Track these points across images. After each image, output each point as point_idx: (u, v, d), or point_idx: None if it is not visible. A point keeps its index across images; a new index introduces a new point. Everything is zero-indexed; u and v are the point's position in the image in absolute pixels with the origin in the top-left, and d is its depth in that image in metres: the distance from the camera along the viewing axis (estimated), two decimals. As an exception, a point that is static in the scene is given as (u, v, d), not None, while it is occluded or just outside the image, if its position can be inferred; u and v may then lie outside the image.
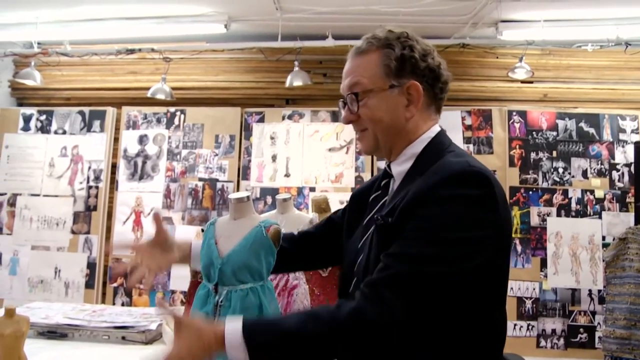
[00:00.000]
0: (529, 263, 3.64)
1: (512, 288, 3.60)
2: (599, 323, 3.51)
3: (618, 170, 3.71)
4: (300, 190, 3.91)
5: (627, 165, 3.69)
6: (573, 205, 3.69)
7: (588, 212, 3.67)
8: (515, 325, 3.58)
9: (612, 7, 3.48)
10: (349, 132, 3.90)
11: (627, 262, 2.82)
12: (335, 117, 3.98)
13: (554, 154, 3.76)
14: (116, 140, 4.14)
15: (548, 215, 3.68)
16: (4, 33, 3.94)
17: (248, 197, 1.73)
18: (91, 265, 3.95)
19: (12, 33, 3.95)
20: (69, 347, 2.23)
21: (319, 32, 3.81)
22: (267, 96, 4.18)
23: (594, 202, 3.68)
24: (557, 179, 3.72)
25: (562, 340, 3.56)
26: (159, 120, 4.12)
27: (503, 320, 1.17)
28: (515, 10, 3.53)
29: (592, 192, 3.69)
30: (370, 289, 1.03)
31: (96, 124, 4.13)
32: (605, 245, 3.51)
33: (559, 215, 3.68)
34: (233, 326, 1.03)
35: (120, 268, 3.93)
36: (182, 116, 4.11)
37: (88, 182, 4.06)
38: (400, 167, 1.22)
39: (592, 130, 3.77)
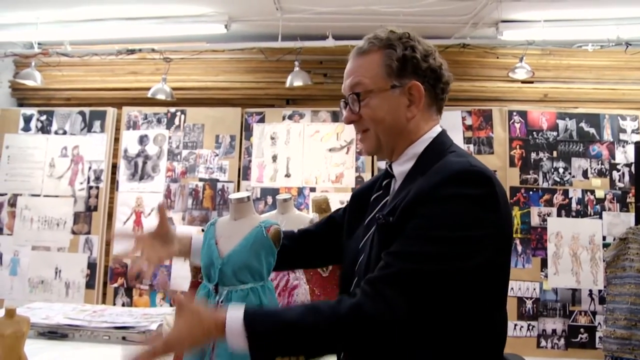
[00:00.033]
0: (529, 263, 3.64)
1: (512, 288, 3.60)
2: (599, 323, 3.51)
3: (618, 171, 3.71)
4: (300, 191, 3.91)
5: (628, 165, 3.69)
6: (573, 205, 3.69)
7: (588, 212, 3.67)
8: (515, 325, 3.58)
9: (612, 7, 3.48)
10: (349, 132, 3.90)
11: (628, 262, 2.82)
12: (335, 118, 3.98)
13: (555, 154, 3.75)
14: (116, 140, 4.14)
15: (548, 216, 3.68)
16: (4, 33, 3.94)
17: (248, 197, 1.73)
18: (92, 266, 3.95)
19: (12, 33, 3.95)
20: (69, 348, 2.23)
21: (319, 32, 3.81)
22: (267, 96, 4.19)
23: (594, 202, 3.68)
24: (558, 179, 3.72)
25: (562, 341, 3.56)
26: (159, 121, 4.12)
27: (504, 320, 1.17)
28: (516, 10, 3.53)
29: (592, 192, 3.69)
30: (370, 286, 1.04)
31: (96, 124, 4.14)
32: (605, 246, 3.51)
33: (559, 215, 3.68)
34: (235, 314, 1.03)
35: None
36: (183, 116, 4.11)
37: (88, 182, 4.06)
38: (401, 167, 1.22)
39: (592, 131, 3.77)
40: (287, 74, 3.82)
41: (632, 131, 3.75)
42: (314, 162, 3.94)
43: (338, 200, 3.68)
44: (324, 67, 4.12)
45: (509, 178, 3.71)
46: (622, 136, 3.75)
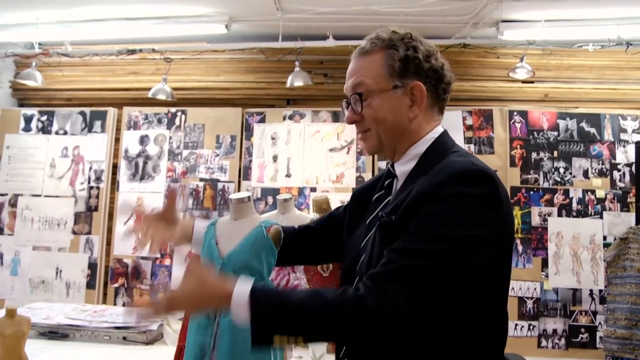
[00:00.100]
0: (529, 263, 3.64)
1: (513, 288, 3.59)
2: (600, 323, 3.50)
3: (619, 170, 3.71)
4: (301, 191, 3.91)
5: (628, 165, 3.68)
6: (574, 205, 3.68)
7: (589, 212, 3.67)
8: (516, 325, 3.57)
9: (613, 7, 3.47)
10: (350, 132, 3.90)
11: (628, 262, 2.82)
12: (336, 118, 3.98)
13: (555, 154, 3.75)
14: (117, 140, 4.14)
15: (549, 215, 3.68)
16: (5, 34, 3.94)
17: (249, 197, 1.73)
18: (92, 266, 3.95)
19: (13, 34, 3.95)
20: (70, 348, 2.24)
21: (319, 32, 3.81)
22: (268, 96, 4.19)
23: (595, 202, 3.67)
24: (558, 179, 3.72)
25: (563, 340, 3.56)
26: (159, 121, 4.12)
27: (504, 320, 1.18)
28: (516, 10, 3.53)
29: (593, 192, 3.69)
30: (372, 281, 1.04)
31: (97, 124, 4.14)
32: (606, 245, 3.50)
33: (560, 215, 3.68)
34: (242, 288, 1.06)
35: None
36: (183, 116, 4.11)
37: (89, 182, 4.06)
38: (403, 167, 1.23)
39: (593, 130, 3.76)
40: (287, 74, 3.82)
41: (633, 131, 3.75)
42: (314, 162, 3.94)
43: (339, 200, 3.68)
44: (324, 67, 4.12)
45: (510, 178, 3.71)
46: (622, 136, 3.75)
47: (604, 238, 3.61)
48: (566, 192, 3.70)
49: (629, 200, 3.65)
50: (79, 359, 2.13)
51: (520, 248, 3.65)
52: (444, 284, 1.03)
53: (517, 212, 3.67)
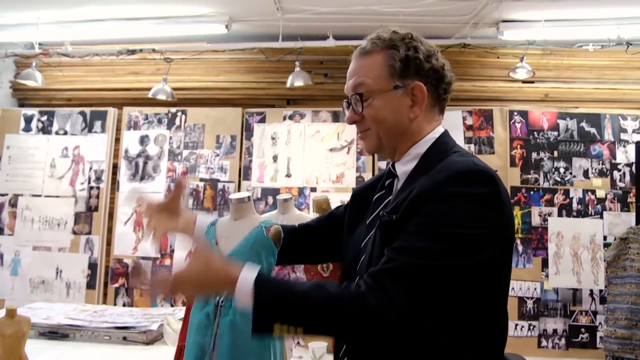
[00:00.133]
0: (530, 263, 3.64)
1: (513, 288, 3.59)
2: (600, 323, 3.50)
3: (619, 170, 3.71)
4: (301, 191, 3.91)
5: (629, 165, 3.68)
6: (574, 205, 3.68)
7: (589, 212, 3.67)
8: (516, 325, 3.57)
9: (613, 7, 3.47)
10: (350, 132, 3.90)
11: (628, 262, 2.82)
12: (336, 118, 3.98)
13: (555, 153, 3.75)
14: (117, 140, 4.14)
15: (549, 215, 3.68)
16: (5, 34, 3.94)
17: (249, 197, 1.73)
18: (92, 266, 3.95)
19: (13, 34, 3.95)
20: (70, 348, 2.23)
21: (319, 32, 3.81)
22: (268, 96, 4.19)
23: (595, 202, 3.67)
24: (558, 179, 3.72)
25: (563, 340, 3.56)
26: (160, 121, 4.12)
27: (504, 320, 1.18)
28: (516, 10, 3.53)
29: (593, 192, 3.69)
30: (373, 279, 1.04)
31: (97, 124, 4.14)
32: (606, 245, 3.51)
33: (560, 215, 3.68)
34: (248, 275, 1.06)
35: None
36: (183, 116, 4.11)
37: (89, 182, 4.06)
38: (404, 167, 1.23)
39: (593, 130, 3.76)
40: (287, 74, 3.82)
41: (633, 131, 3.75)
42: (314, 162, 3.95)
43: (339, 200, 3.68)
44: (324, 67, 4.12)
45: (510, 178, 3.71)
46: (622, 136, 3.75)
47: (604, 238, 3.61)
48: (566, 192, 3.70)
49: (629, 200, 3.65)
50: (79, 359, 2.13)
51: (520, 248, 3.65)
52: (444, 283, 1.03)
53: (517, 212, 3.67)
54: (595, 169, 3.71)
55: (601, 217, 3.65)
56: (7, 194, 4.10)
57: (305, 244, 1.58)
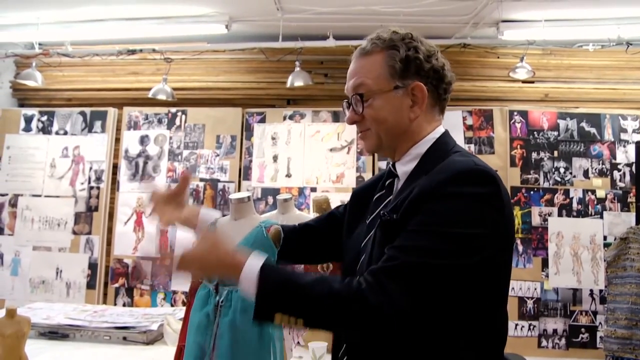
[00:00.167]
0: (530, 263, 3.64)
1: (513, 288, 3.59)
2: (600, 323, 3.50)
3: (619, 170, 3.70)
4: (301, 191, 3.91)
5: (629, 165, 3.68)
6: (574, 205, 3.68)
7: (589, 212, 3.67)
8: (516, 325, 3.57)
9: (613, 7, 3.47)
10: (350, 132, 3.90)
11: (628, 262, 2.82)
12: (336, 118, 3.98)
13: (555, 153, 3.75)
14: (117, 140, 4.14)
15: (549, 215, 3.68)
16: (5, 34, 3.95)
17: (249, 197, 1.73)
18: (92, 266, 3.95)
19: (13, 34, 3.96)
20: (70, 348, 2.23)
21: (320, 32, 3.81)
22: (268, 96, 4.19)
23: (595, 202, 3.67)
24: (559, 179, 3.72)
25: (563, 340, 3.56)
26: (160, 121, 4.12)
27: (504, 320, 1.18)
28: (516, 10, 3.53)
29: (593, 192, 3.69)
30: (373, 277, 1.04)
31: (97, 124, 4.14)
32: (606, 245, 3.51)
33: (560, 215, 3.68)
34: (254, 262, 1.08)
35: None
36: (183, 117, 4.11)
37: (89, 182, 4.06)
38: (405, 167, 1.23)
39: (593, 130, 3.76)
40: (287, 74, 3.82)
41: (633, 131, 3.75)
42: (314, 162, 3.95)
43: (339, 200, 3.68)
44: (324, 67, 4.12)
45: (510, 178, 3.71)
46: (622, 136, 3.75)
47: (604, 238, 3.61)
48: (566, 192, 3.70)
49: (629, 200, 3.65)
50: (78, 359, 2.13)
51: (520, 248, 3.64)
52: (444, 282, 1.03)
53: (517, 212, 3.67)
54: (595, 169, 3.71)
55: (601, 217, 3.65)
56: (7, 194, 4.10)
57: (305, 244, 1.58)
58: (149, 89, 3.90)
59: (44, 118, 4.18)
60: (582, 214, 3.67)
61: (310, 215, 2.78)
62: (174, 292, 3.89)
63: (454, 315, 1.06)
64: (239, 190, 3.95)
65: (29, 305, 2.81)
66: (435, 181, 1.08)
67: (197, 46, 4.16)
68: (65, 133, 4.15)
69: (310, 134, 3.99)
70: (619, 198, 3.67)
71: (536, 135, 3.77)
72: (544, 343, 3.56)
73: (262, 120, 4.04)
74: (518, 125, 3.80)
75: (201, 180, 4.00)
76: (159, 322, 2.46)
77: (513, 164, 3.75)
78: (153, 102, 3.98)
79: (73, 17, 3.78)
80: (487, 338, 1.13)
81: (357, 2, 3.41)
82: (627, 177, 3.68)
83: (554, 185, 3.71)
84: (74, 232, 4.01)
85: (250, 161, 3.99)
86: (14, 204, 4.08)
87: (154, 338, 2.39)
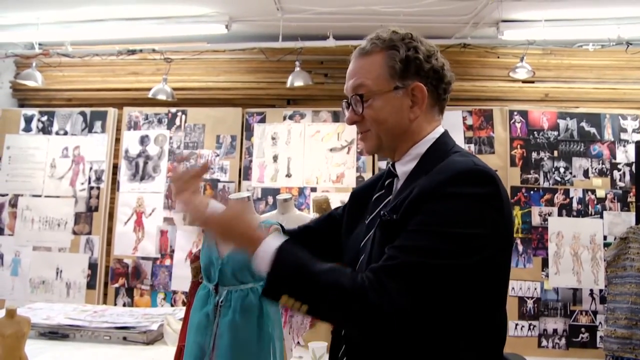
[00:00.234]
0: (530, 263, 3.64)
1: (513, 288, 3.59)
2: (600, 323, 3.50)
3: (619, 170, 3.71)
4: (301, 191, 3.91)
5: (629, 164, 3.68)
6: (574, 205, 3.68)
7: (589, 212, 3.67)
8: (516, 325, 3.57)
9: (613, 7, 3.48)
10: (350, 132, 3.91)
11: (628, 262, 2.82)
12: (336, 118, 3.98)
13: (555, 153, 3.75)
14: (117, 140, 4.14)
15: (549, 215, 3.68)
16: (5, 34, 3.95)
17: (248, 197, 1.73)
18: (92, 266, 3.95)
19: (13, 34, 3.96)
20: (70, 348, 2.24)
21: (320, 32, 3.82)
22: (268, 96, 4.19)
23: (595, 202, 3.67)
24: (559, 179, 3.72)
25: (563, 340, 3.56)
26: (160, 121, 4.12)
27: (504, 320, 1.18)
28: (516, 10, 3.53)
29: (593, 191, 3.69)
30: (373, 275, 1.04)
31: (97, 124, 4.14)
32: (606, 245, 3.51)
33: (560, 215, 3.68)
34: (272, 242, 1.10)
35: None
36: (183, 117, 4.11)
37: (89, 182, 4.06)
38: (404, 167, 1.23)
39: (593, 130, 3.76)
40: (287, 74, 3.82)
41: (633, 130, 3.75)
42: (314, 162, 3.95)
43: (339, 200, 3.68)
44: (324, 67, 4.13)
45: (510, 178, 3.71)
46: (622, 136, 3.75)
47: (604, 238, 3.61)
48: (566, 192, 3.70)
49: (629, 199, 3.65)
50: (78, 359, 2.13)
51: (520, 248, 3.65)
52: (444, 282, 1.03)
53: (517, 212, 3.67)
54: (595, 169, 3.71)
55: (601, 217, 3.65)
56: (7, 194, 4.10)
57: (305, 245, 1.58)
58: (149, 89, 3.90)
59: (44, 118, 4.19)
60: (582, 213, 3.67)
61: (310, 215, 2.78)
62: (174, 292, 3.89)
63: (454, 315, 1.06)
64: (239, 190, 3.95)
65: (29, 306, 2.81)
66: (435, 181, 1.08)
67: (197, 46, 4.16)
68: (66, 133, 4.15)
69: (310, 134, 3.99)
70: (618, 198, 3.67)
71: (536, 135, 3.77)
72: (544, 343, 3.56)
73: (262, 120, 4.04)
74: (518, 125, 3.81)
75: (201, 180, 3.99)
76: (159, 322, 2.46)
77: (513, 163, 3.75)
78: (153, 102, 3.98)
79: (73, 17, 3.78)
80: (487, 338, 1.13)
81: (357, 2, 3.41)
82: (627, 177, 3.68)
83: (554, 185, 3.71)
84: (74, 232, 4.01)
85: (250, 161, 3.99)
86: (14, 204, 4.08)
87: (154, 338, 2.40)
